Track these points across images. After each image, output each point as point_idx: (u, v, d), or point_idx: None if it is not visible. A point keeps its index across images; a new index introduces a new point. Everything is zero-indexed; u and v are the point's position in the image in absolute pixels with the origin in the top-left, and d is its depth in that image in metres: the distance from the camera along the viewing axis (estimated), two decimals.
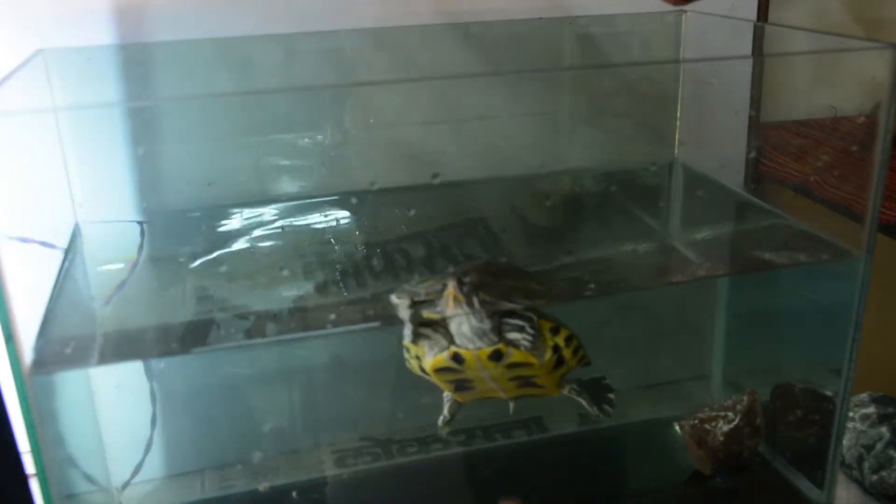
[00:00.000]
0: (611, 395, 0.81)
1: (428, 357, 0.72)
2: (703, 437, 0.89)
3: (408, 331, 0.71)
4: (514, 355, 0.71)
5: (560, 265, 0.79)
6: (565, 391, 0.79)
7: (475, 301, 0.68)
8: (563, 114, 0.95)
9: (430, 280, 0.72)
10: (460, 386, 0.74)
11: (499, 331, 0.71)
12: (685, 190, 0.95)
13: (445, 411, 0.80)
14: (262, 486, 0.89)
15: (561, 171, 0.95)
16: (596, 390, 0.80)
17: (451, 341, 0.71)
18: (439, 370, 0.72)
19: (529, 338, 0.73)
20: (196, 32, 0.81)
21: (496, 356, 0.70)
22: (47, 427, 0.61)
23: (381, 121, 0.86)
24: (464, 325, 0.69)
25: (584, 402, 0.80)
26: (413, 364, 0.76)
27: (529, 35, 0.90)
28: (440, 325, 0.71)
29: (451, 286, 0.68)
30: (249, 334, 0.65)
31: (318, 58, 0.85)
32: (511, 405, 0.82)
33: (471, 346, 0.70)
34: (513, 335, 0.72)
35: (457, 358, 0.70)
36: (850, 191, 0.77)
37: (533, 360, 0.72)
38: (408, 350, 0.75)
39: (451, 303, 0.68)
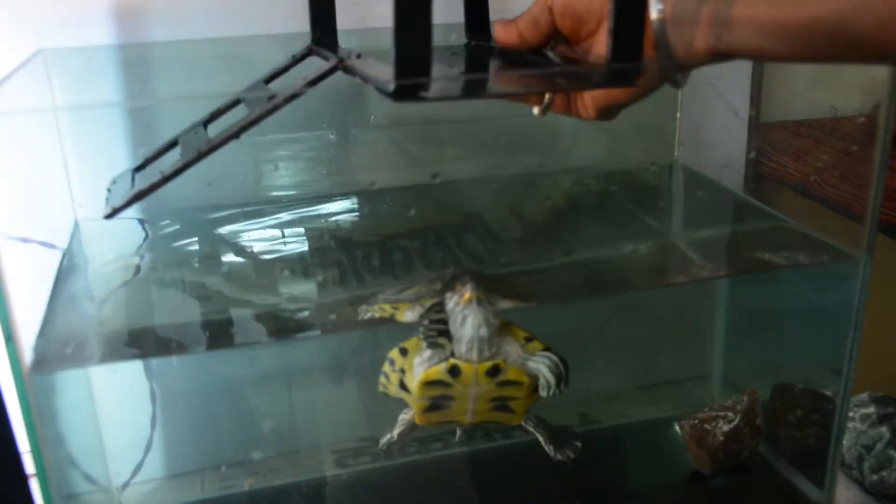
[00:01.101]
0: (577, 443, 0.80)
1: (418, 369, 0.71)
2: (703, 437, 0.89)
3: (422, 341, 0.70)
4: (510, 373, 0.70)
5: (559, 265, 0.79)
6: (528, 424, 0.78)
7: (490, 301, 0.68)
8: None
9: (414, 288, 0.71)
10: (435, 405, 0.73)
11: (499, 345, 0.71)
12: (685, 190, 0.95)
13: (395, 433, 0.79)
14: (248, 482, 0.89)
15: (561, 170, 0.95)
16: (561, 436, 0.79)
17: (450, 353, 0.70)
18: (429, 384, 0.70)
19: (553, 379, 0.72)
20: (196, 32, 0.81)
21: (494, 371, 0.70)
22: (47, 427, 0.61)
23: (381, 120, 0.85)
24: (482, 328, 0.68)
25: (541, 439, 0.79)
26: (392, 379, 0.74)
27: None
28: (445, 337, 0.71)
29: (469, 289, 0.66)
30: (248, 334, 0.65)
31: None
32: (458, 432, 0.81)
33: (475, 355, 0.69)
34: (535, 365, 0.71)
35: (454, 371, 0.69)
36: (850, 191, 0.77)
37: (525, 379, 0.71)
38: (392, 363, 0.73)
39: (473, 305, 0.67)
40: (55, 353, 0.61)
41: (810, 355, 0.90)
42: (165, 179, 0.60)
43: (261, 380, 0.92)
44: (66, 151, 0.80)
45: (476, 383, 0.70)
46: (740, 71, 0.91)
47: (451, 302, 0.68)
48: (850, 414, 0.90)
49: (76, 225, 0.81)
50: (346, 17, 0.78)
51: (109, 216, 0.62)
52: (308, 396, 0.94)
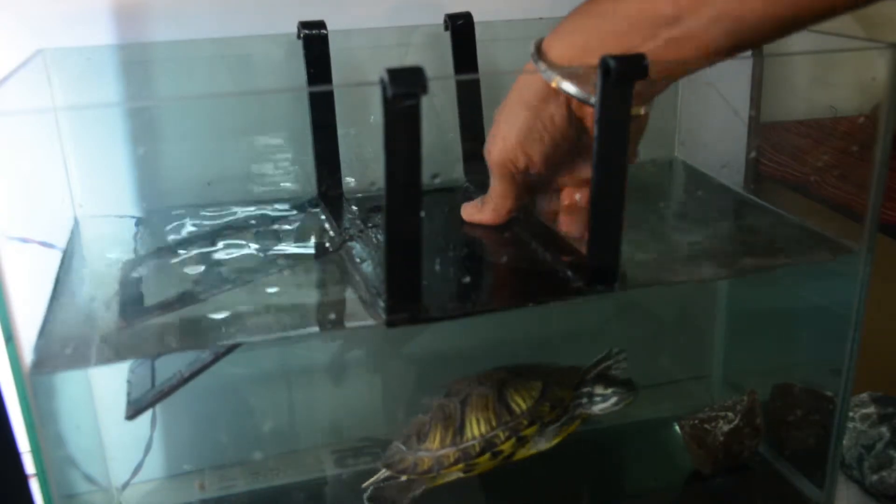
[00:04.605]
0: None
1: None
2: (703, 437, 0.89)
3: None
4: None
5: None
6: None
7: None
8: None
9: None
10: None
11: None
12: (685, 189, 0.95)
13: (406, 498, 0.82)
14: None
15: None
16: None
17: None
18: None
19: (627, 398, 0.79)
20: (196, 32, 0.82)
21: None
22: (47, 427, 0.61)
23: (380, 120, 0.85)
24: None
25: None
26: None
27: (529, 35, 0.90)
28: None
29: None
30: (247, 333, 0.65)
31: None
32: None
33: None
34: (601, 406, 0.79)
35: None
36: (850, 190, 0.77)
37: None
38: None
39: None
40: (55, 353, 0.61)
41: (810, 355, 0.90)
42: (185, 380, 0.66)
43: (261, 379, 0.92)
44: (66, 151, 0.80)
45: None
46: (740, 71, 0.91)
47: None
48: (850, 414, 0.90)
49: (76, 225, 0.81)
50: (339, 19, 0.79)
51: (131, 417, 0.68)
52: (308, 396, 0.94)
